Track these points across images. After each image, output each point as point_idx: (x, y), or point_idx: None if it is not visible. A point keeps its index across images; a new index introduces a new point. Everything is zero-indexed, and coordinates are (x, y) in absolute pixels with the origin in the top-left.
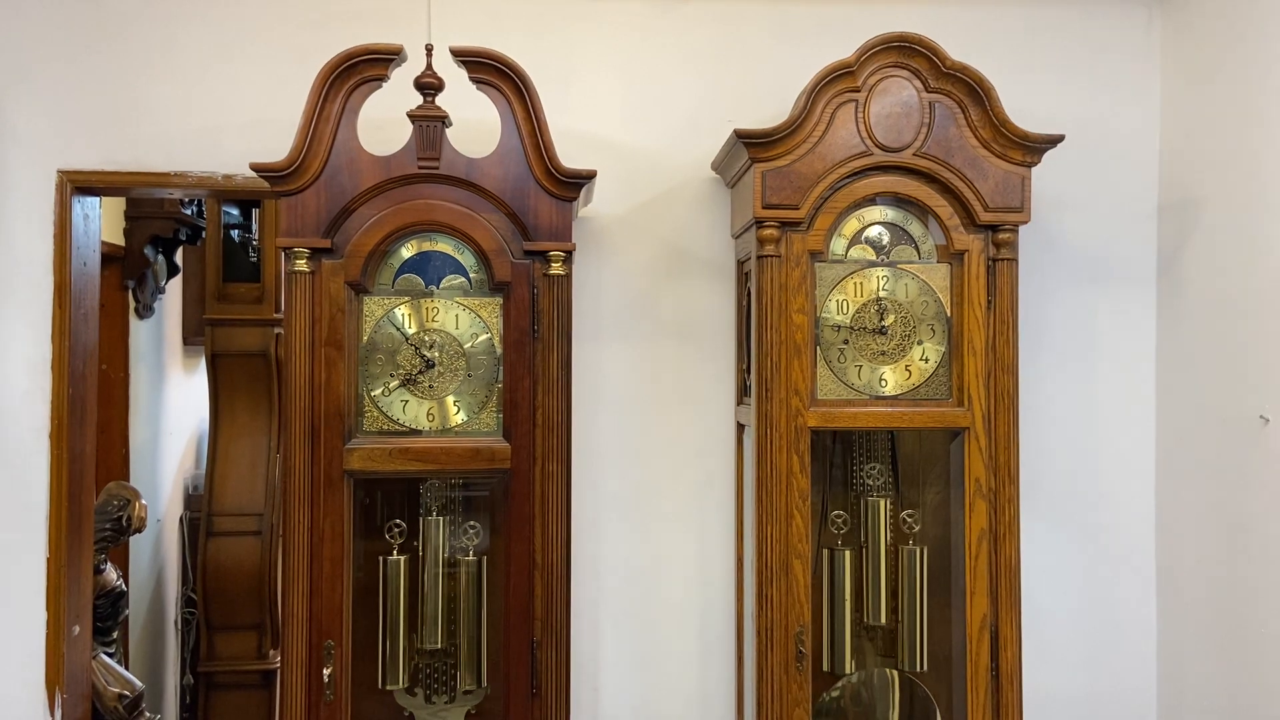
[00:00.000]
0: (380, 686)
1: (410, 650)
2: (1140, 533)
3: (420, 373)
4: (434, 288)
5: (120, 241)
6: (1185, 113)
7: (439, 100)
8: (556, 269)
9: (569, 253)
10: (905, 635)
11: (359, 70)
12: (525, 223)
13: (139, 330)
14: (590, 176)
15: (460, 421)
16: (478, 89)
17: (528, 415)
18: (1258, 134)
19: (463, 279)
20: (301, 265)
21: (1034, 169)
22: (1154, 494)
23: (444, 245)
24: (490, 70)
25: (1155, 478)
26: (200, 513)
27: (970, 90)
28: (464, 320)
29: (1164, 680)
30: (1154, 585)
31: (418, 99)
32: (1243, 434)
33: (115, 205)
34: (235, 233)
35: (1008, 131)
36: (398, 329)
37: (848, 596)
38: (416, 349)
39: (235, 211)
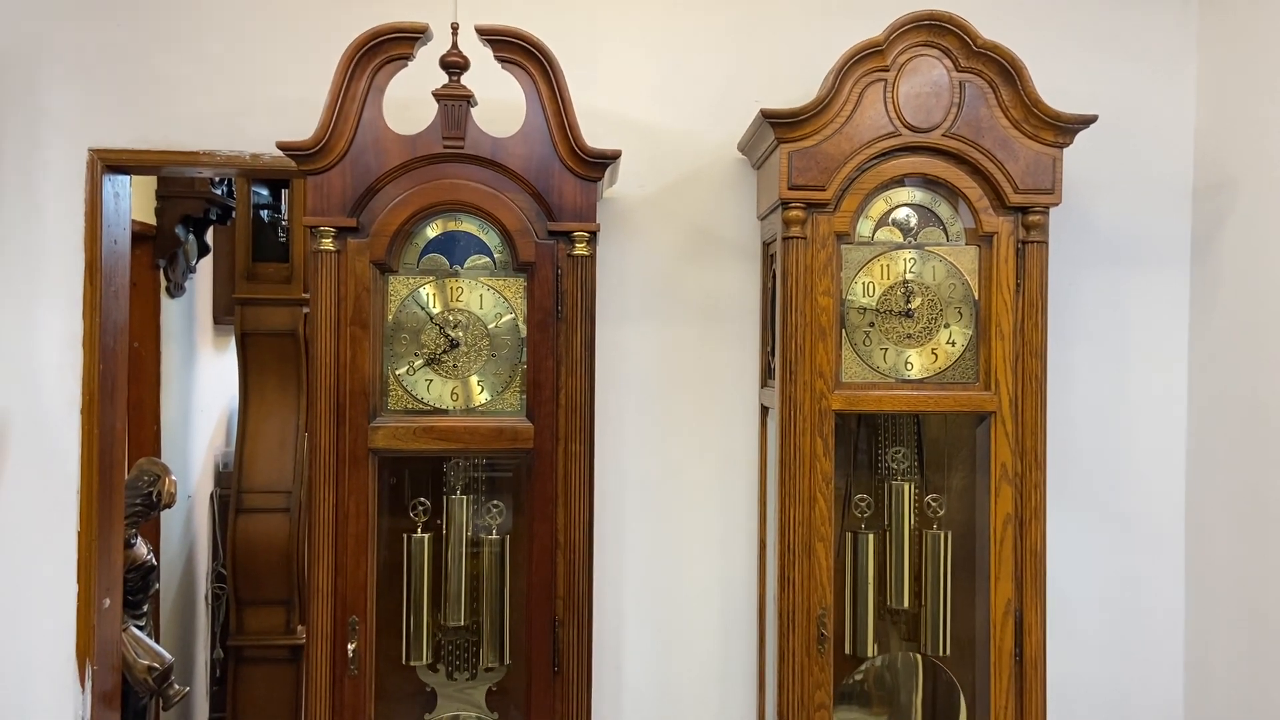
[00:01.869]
0: (404, 662)
1: (434, 627)
2: (1169, 520)
3: (444, 352)
4: (458, 267)
5: (152, 221)
6: (1222, 92)
7: (464, 79)
8: (581, 249)
9: (593, 233)
10: (928, 619)
11: (384, 49)
12: (549, 203)
13: (170, 309)
14: (615, 157)
15: (484, 401)
16: (503, 68)
17: (551, 396)
18: None
19: (487, 259)
20: (327, 244)
21: (1066, 149)
22: (1184, 481)
23: (469, 225)
24: (516, 49)
25: (1185, 464)
26: (230, 489)
27: (1001, 70)
28: (488, 300)
29: (1190, 668)
30: (1182, 573)
31: (443, 78)
32: (1276, 421)
33: (147, 185)
34: (265, 213)
35: (1039, 112)
36: (422, 308)
37: (870, 580)
38: (441, 328)
39: (265, 192)
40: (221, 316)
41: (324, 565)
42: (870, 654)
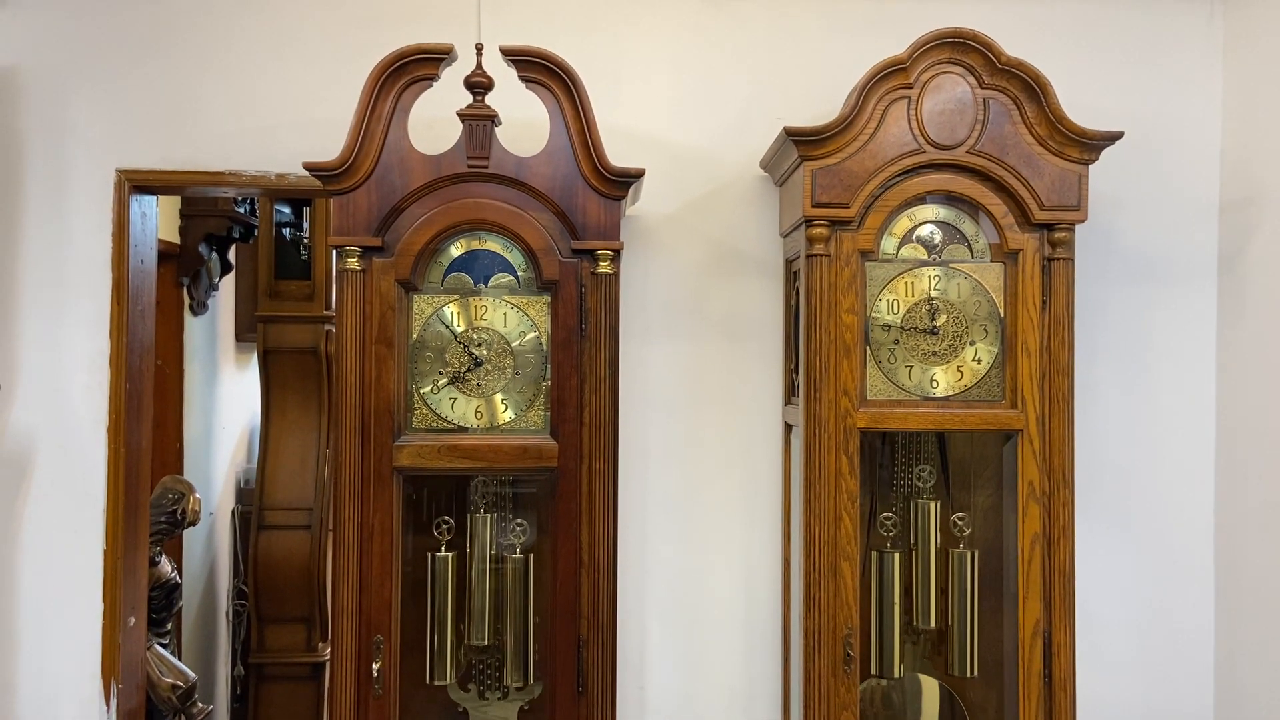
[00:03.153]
0: (428, 682)
1: (458, 646)
2: (1199, 539)
3: (469, 370)
4: (482, 286)
5: (175, 239)
6: (1248, 108)
7: (489, 99)
8: (604, 268)
9: (617, 251)
10: (955, 639)
11: (410, 70)
12: (573, 221)
13: (193, 327)
14: (638, 175)
15: (508, 419)
16: (527, 88)
17: (575, 414)
18: None
19: (511, 277)
20: (353, 264)
21: (1091, 166)
22: (1213, 499)
23: (493, 244)
24: (539, 69)
25: (1215, 482)
26: (251, 506)
27: (1026, 86)
28: (512, 319)
29: (1221, 690)
30: (1212, 593)
31: (468, 98)
32: None
33: (171, 203)
34: (287, 231)
35: (1064, 128)
36: (447, 327)
37: (896, 600)
38: (465, 347)
39: (287, 210)
40: (244, 334)
41: (349, 584)
42: (896, 674)
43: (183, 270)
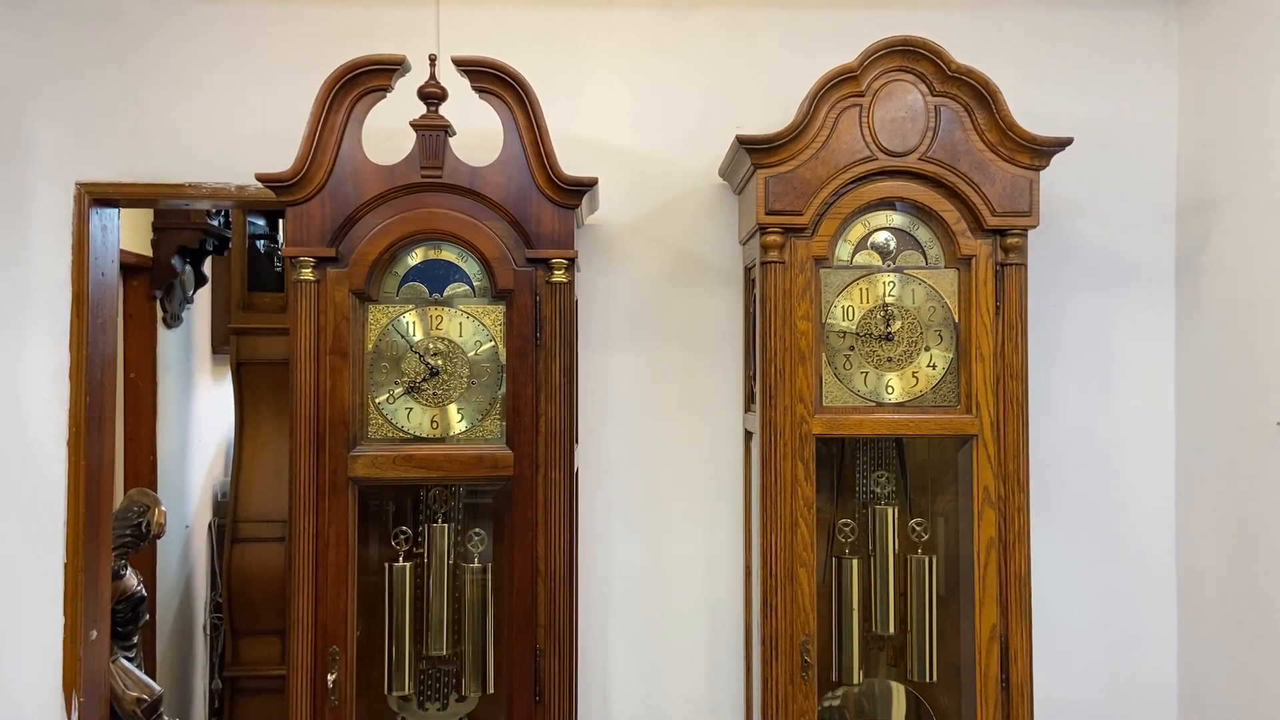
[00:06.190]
0: (386, 692)
1: (416, 656)
2: (1159, 541)
3: (424, 380)
4: (438, 295)
5: (148, 252)
6: (1204, 114)
7: (443, 110)
8: (559, 276)
9: (571, 260)
10: (914, 645)
11: (363, 81)
12: (528, 230)
13: (167, 340)
14: (591, 184)
15: (464, 429)
16: (480, 98)
17: (531, 423)
18: (1277, 134)
19: (467, 287)
20: (307, 274)
21: (1051, 172)
22: (1173, 501)
23: (448, 253)
24: (492, 79)
25: (1174, 484)
26: (227, 519)
27: (976, 94)
28: (468, 328)
29: (1184, 691)
30: (1174, 594)
31: (423, 108)
32: (1263, 440)
33: (143, 216)
34: (260, 243)
35: (1015, 135)
36: (402, 337)
37: (855, 606)
38: (421, 356)
39: (261, 222)
40: (219, 346)
41: (304, 595)
42: (856, 681)
43: (155, 283)
